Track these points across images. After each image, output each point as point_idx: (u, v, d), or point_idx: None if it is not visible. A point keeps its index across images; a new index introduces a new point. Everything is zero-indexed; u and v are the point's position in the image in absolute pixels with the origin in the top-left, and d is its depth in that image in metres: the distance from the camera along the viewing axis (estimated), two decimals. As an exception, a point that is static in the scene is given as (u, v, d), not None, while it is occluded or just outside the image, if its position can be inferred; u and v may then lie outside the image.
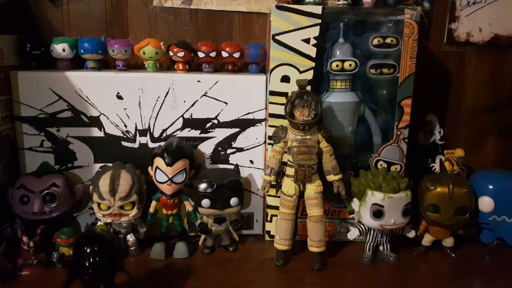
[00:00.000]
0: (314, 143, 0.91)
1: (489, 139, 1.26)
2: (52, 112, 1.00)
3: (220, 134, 1.04)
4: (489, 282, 0.93)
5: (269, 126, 1.00)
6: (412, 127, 1.01)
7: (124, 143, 1.03)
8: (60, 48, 1.02)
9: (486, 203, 1.02)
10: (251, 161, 1.06)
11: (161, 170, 0.95)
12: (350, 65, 0.97)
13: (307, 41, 0.97)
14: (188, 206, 1.00)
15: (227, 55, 1.06)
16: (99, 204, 0.96)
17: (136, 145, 1.04)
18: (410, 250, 1.02)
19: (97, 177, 0.96)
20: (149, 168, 0.98)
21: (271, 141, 0.98)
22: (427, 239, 1.02)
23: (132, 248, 0.98)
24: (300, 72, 0.98)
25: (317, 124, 0.92)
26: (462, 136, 1.24)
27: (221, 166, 1.06)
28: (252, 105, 1.03)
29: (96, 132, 1.02)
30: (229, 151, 1.05)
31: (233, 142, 1.05)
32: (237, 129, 1.04)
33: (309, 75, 0.98)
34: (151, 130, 1.03)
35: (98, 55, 1.04)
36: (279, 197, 0.96)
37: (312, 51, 0.97)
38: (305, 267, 0.95)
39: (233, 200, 0.97)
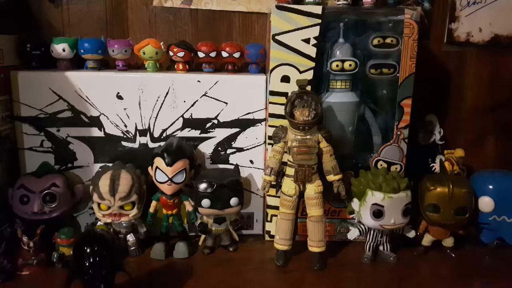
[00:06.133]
0: (314, 143, 0.91)
1: (489, 139, 1.26)
2: (52, 112, 1.00)
3: (220, 134, 1.04)
4: (489, 282, 0.93)
5: (269, 126, 1.00)
6: (412, 127, 1.01)
7: (124, 143, 1.03)
8: (60, 48, 1.02)
9: (486, 203, 1.02)
10: (251, 161, 1.06)
11: (161, 170, 0.95)
12: (350, 65, 0.97)
13: (307, 41, 0.97)
14: (188, 206, 1.00)
15: (227, 55, 1.06)
16: (99, 204, 0.96)
17: (136, 145, 1.04)
18: (410, 250, 1.02)
19: (97, 177, 0.96)
20: (149, 168, 0.98)
21: (271, 141, 0.98)
22: (427, 239, 1.02)
23: (132, 248, 0.98)
24: (300, 72, 0.98)
25: (317, 124, 0.92)
26: (462, 136, 1.24)
27: (221, 166, 1.06)
28: (252, 105, 1.03)
29: (96, 132, 1.02)
30: (229, 151, 1.05)
31: (233, 142, 1.05)
32: (237, 129, 1.04)
33: (309, 75, 0.98)
34: (151, 130, 1.03)
35: (98, 55, 1.04)
36: (279, 197, 0.96)
37: (312, 51, 0.97)
38: (305, 267, 0.95)
39: (233, 200, 0.97)
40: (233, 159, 1.06)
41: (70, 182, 1.00)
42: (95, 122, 1.02)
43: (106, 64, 1.10)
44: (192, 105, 1.02)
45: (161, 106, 1.02)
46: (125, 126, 1.02)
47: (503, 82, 1.23)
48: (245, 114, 1.04)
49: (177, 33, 1.16)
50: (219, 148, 1.05)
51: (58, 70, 1.03)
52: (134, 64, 1.14)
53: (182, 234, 1.01)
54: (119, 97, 1.01)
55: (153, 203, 0.99)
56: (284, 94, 0.98)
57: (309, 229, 0.95)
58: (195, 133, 1.04)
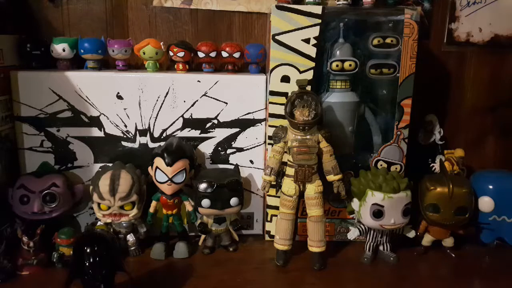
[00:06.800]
0: (314, 143, 0.91)
1: (489, 139, 1.26)
2: (52, 112, 1.00)
3: (220, 134, 1.04)
4: (489, 282, 0.93)
5: (269, 126, 1.00)
6: (412, 127, 1.01)
7: (124, 143, 1.03)
8: (60, 48, 1.02)
9: (486, 203, 1.02)
10: (251, 161, 1.06)
11: (161, 170, 0.95)
12: (350, 65, 0.97)
13: (307, 41, 0.97)
14: (188, 206, 1.00)
15: (227, 55, 1.06)
16: (99, 204, 0.96)
17: (136, 145, 1.04)
18: (410, 250, 1.02)
19: (97, 177, 0.96)
20: (149, 168, 0.98)
21: (271, 141, 0.98)
22: (427, 239, 1.02)
23: (132, 248, 0.98)
24: (300, 72, 0.98)
25: (317, 124, 0.92)
26: (462, 136, 1.24)
27: (221, 166, 1.06)
28: (252, 105, 1.03)
29: (96, 132, 1.02)
30: (229, 151, 1.05)
31: (233, 142, 1.05)
32: (237, 129, 1.04)
33: (309, 75, 0.98)
34: (151, 130, 1.03)
35: (98, 55, 1.04)
36: (279, 197, 0.96)
37: (312, 51, 0.97)
38: (305, 267, 0.95)
39: (233, 200, 0.97)
40: (233, 159, 1.06)
41: (70, 182, 1.00)
42: (95, 122, 1.02)
43: (106, 64, 1.10)
44: (192, 105, 1.02)
45: (161, 106, 1.02)
46: (125, 126, 1.02)
47: (503, 82, 1.23)
48: (245, 114, 1.04)
49: (177, 33, 1.16)
50: (219, 148, 1.05)
51: (58, 70, 1.03)
52: (134, 64, 1.14)
53: (182, 234, 1.01)
54: (119, 97, 1.01)
55: (153, 203, 0.99)
56: (284, 94, 0.98)
57: (309, 229, 0.95)
58: (195, 133, 1.04)
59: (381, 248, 1.00)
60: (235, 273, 0.92)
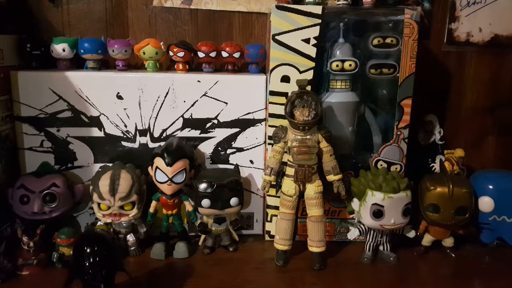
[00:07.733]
0: (314, 143, 0.91)
1: (489, 139, 1.26)
2: (52, 112, 1.00)
3: (220, 134, 1.04)
4: (489, 282, 0.93)
5: (269, 126, 1.00)
6: (412, 127, 1.01)
7: (124, 143, 1.03)
8: (60, 48, 1.02)
9: (486, 203, 1.02)
10: (251, 161, 1.06)
11: (161, 170, 0.95)
12: (350, 65, 0.97)
13: (307, 41, 0.97)
14: (188, 206, 1.00)
15: (227, 55, 1.06)
16: (99, 204, 0.96)
17: (136, 145, 1.04)
18: (410, 250, 1.02)
19: (97, 177, 0.96)
20: (149, 168, 0.98)
21: (271, 141, 0.98)
22: (427, 239, 1.02)
23: (132, 248, 0.98)
24: (300, 72, 0.98)
25: (317, 124, 0.92)
26: (462, 136, 1.24)
27: (221, 166, 1.06)
28: (252, 105, 1.03)
29: (96, 132, 1.02)
30: (229, 151, 1.05)
31: (233, 142, 1.05)
32: (237, 129, 1.04)
33: (309, 75, 0.98)
34: (151, 130, 1.03)
35: (98, 55, 1.04)
36: (279, 197, 0.96)
37: (312, 51, 0.97)
38: (305, 267, 0.95)
39: (233, 200, 0.97)
40: (233, 159, 1.06)
41: (70, 182, 1.00)
42: (95, 122, 1.02)
43: (106, 64, 1.10)
44: (192, 105, 1.02)
45: (161, 106, 1.02)
46: (125, 126, 1.02)
47: (503, 82, 1.23)
48: (245, 114, 1.04)
49: (177, 33, 1.16)
50: (219, 148, 1.05)
51: (58, 70, 1.03)
52: (134, 64, 1.14)
53: (182, 234, 1.01)
54: (119, 97, 1.01)
55: (153, 203, 0.99)
56: (284, 94, 0.98)
57: (309, 229, 0.95)
58: (195, 133, 1.04)
59: (381, 248, 1.00)
60: (235, 273, 0.92)
